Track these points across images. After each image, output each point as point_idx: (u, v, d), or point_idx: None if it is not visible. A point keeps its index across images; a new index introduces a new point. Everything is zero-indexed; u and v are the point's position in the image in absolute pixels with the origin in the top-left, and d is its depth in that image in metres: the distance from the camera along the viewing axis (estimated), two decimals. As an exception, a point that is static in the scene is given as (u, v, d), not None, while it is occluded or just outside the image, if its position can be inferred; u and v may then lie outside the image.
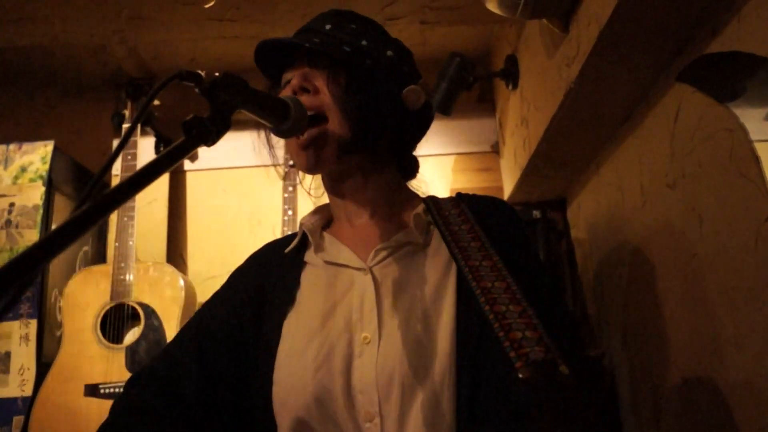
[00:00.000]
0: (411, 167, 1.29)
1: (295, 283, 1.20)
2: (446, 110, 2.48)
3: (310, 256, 1.23)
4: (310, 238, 1.22)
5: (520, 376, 0.88)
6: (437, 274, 1.13)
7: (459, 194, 1.27)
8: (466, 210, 1.19)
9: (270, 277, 1.23)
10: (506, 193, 2.90)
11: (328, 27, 1.19)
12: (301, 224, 1.25)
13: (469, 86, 2.49)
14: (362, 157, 1.18)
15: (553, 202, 2.80)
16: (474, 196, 1.27)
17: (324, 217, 1.28)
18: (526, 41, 2.35)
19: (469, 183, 3.05)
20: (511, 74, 2.53)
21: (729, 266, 1.45)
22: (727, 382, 1.49)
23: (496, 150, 3.05)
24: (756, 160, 1.32)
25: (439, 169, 3.04)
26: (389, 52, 1.19)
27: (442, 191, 3.01)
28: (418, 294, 1.10)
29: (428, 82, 2.41)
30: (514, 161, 2.67)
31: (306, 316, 1.14)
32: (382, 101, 1.15)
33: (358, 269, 1.15)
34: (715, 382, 1.53)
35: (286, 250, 1.24)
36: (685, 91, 1.61)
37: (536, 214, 2.48)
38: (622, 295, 2.15)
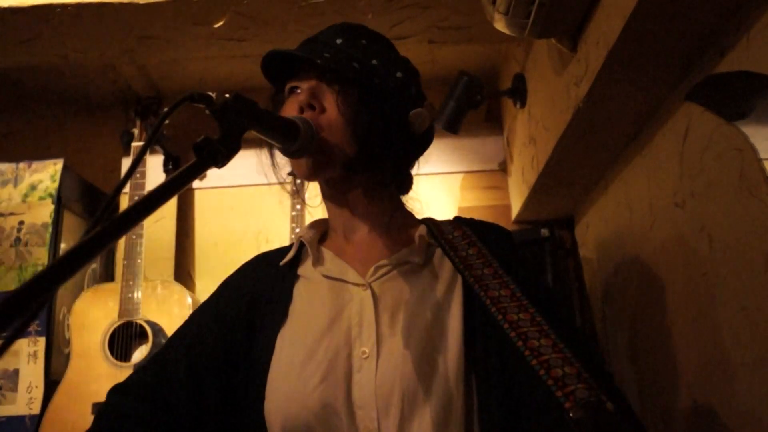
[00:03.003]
0: (406, 183, 1.29)
1: (288, 297, 1.20)
2: (454, 129, 2.48)
3: (304, 269, 1.23)
4: (309, 250, 1.22)
5: (572, 415, 0.90)
6: (439, 293, 1.14)
7: (457, 218, 1.28)
8: (469, 233, 1.20)
9: (262, 290, 1.23)
10: (514, 212, 2.90)
11: (339, 41, 1.19)
12: (300, 237, 1.25)
13: (477, 105, 2.49)
14: (366, 174, 1.18)
15: (561, 220, 2.79)
16: (473, 220, 1.28)
17: (319, 232, 1.28)
18: (534, 60, 2.36)
19: (477, 201, 3.04)
20: (519, 93, 2.53)
21: (739, 287, 1.45)
22: (738, 405, 1.47)
23: (503, 168, 3.05)
24: (766, 180, 1.32)
25: (446, 187, 3.04)
26: (399, 74, 1.19)
27: (450, 209, 3.01)
28: (418, 311, 1.10)
29: (437, 99, 2.43)
30: (521, 180, 2.67)
31: (303, 330, 1.14)
32: (390, 122, 1.16)
33: (357, 284, 1.15)
34: (726, 405, 1.52)
35: (281, 263, 1.24)
36: (694, 111, 1.61)
37: (544, 232, 2.48)
38: (630, 314, 2.14)
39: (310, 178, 1.21)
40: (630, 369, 2.16)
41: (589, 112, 1.80)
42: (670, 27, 1.43)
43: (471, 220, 1.28)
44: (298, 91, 1.17)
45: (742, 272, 1.43)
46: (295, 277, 1.22)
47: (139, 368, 1.25)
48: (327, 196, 1.26)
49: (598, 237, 2.49)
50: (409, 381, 1.03)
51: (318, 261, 1.21)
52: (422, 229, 1.20)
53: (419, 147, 1.26)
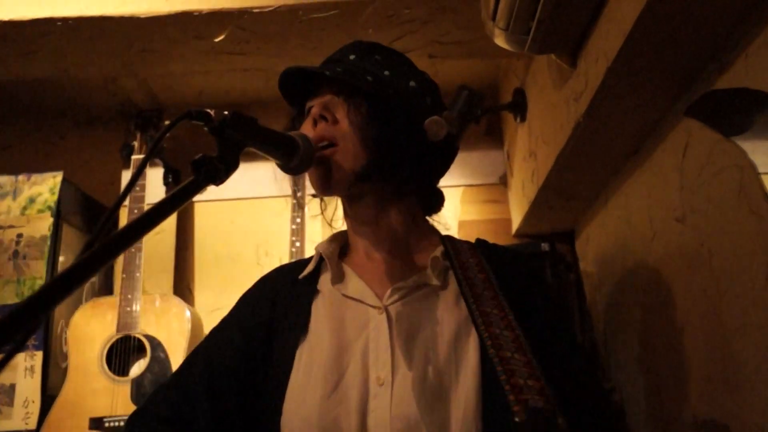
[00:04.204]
0: (434, 201, 1.28)
1: (307, 312, 1.18)
2: (454, 143, 2.48)
3: (323, 284, 1.22)
4: (329, 265, 1.21)
5: (516, 420, 0.90)
6: (455, 319, 1.12)
7: (479, 241, 1.26)
8: (483, 262, 1.18)
9: (280, 304, 1.22)
10: (514, 226, 2.89)
11: (352, 57, 1.21)
12: (319, 251, 1.24)
13: (477, 119, 2.49)
14: (380, 185, 1.18)
15: (561, 234, 2.79)
16: (495, 246, 1.26)
17: (339, 246, 1.27)
18: (534, 75, 2.36)
19: (477, 215, 3.04)
20: (519, 107, 2.53)
21: (740, 303, 1.44)
22: (743, 419, 1.47)
23: (504, 182, 3.05)
24: (766, 196, 1.31)
25: (447, 200, 3.01)
26: (412, 83, 1.20)
27: (451, 223, 3.00)
28: (434, 338, 1.09)
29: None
30: (522, 194, 2.67)
31: (319, 348, 1.13)
32: (403, 131, 1.15)
33: (374, 307, 1.14)
34: (732, 420, 1.51)
35: (301, 276, 1.23)
36: (693, 126, 1.61)
37: (545, 246, 2.48)
38: (632, 328, 2.14)
39: (323, 192, 1.20)
40: (631, 382, 2.16)
41: (588, 128, 1.80)
42: (670, 43, 1.43)
43: (493, 246, 1.26)
44: (312, 108, 1.18)
45: (743, 288, 1.43)
46: (315, 292, 1.21)
47: (159, 387, 1.24)
48: (348, 212, 1.25)
49: (598, 251, 2.48)
50: (424, 410, 1.01)
51: (337, 278, 1.20)
52: (438, 252, 1.19)
53: (438, 157, 1.24)
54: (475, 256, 1.20)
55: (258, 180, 2.70)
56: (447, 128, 1.18)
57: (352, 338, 1.12)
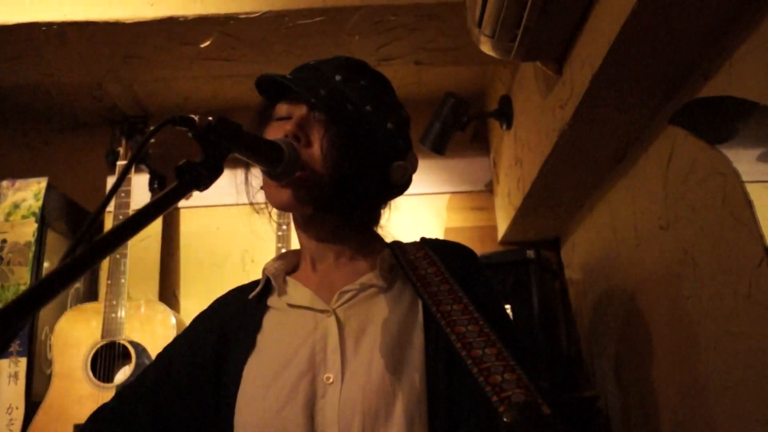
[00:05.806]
0: (376, 218, 1.29)
1: (257, 327, 1.20)
2: (440, 150, 2.48)
3: (273, 300, 1.23)
4: (273, 282, 1.22)
5: (505, 420, 0.90)
6: (402, 315, 1.14)
7: (423, 239, 1.28)
8: (430, 253, 1.20)
9: (232, 322, 1.24)
10: (500, 233, 2.90)
11: (338, 78, 1.18)
12: (264, 269, 1.25)
13: (464, 126, 2.50)
14: (335, 215, 1.19)
15: (547, 241, 2.81)
16: (437, 240, 1.28)
17: (289, 263, 1.28)
18: (521, 82, 2.37)
19: (464, 222, 3.05)
20: (506, 114, 2.54)
21: (722, 310, 1.45)
22: (720, 428, 1.47)
23: (490, 189, 3.06)
24: (749, 204, 1.32)
25: (433, 207, 3.04)
26: (389, 125, 1.19)
27: (436, 230, 3.01)
28: (382, 335, 1.10)
29: (423, 120, 2.44)
30: (508, 201, 2.68)
31: (268, 358, 1.14)
32: (370, 171, 1.15)
33: (322, 311, 1.15)
34: (707, 428, 1.52)
35: (250, 296, 1.25)
36: (678, 134, 1.62)
37: (530, 253, 2.47)
38: (616, 336, 2.14)
39: (284, 209, 1.21)
40: (616, 390, 2.16)
41: (574, 135, 1.81)
42: (654, 52, 1.44)
43: (436, 240, 1.28)
44: (287, 117, 1.17)
45: (725, 296, 1.44)
46: (265, 308, 1.23)
47: (115, 395, 1.26)
48: (298, 224, 1.26)
49: (583, 258, 2.49)
50: (369, 403, 1.03)
51: (283, 291, 1.22)
52: (385, 253, 1.20)
53: (393, 194, 1.26)
54: (421, 251, 1.21)
55: (245, 187, 2.69)
56: (411, 172, 1.21)
57: (300, 343, 1.13)
